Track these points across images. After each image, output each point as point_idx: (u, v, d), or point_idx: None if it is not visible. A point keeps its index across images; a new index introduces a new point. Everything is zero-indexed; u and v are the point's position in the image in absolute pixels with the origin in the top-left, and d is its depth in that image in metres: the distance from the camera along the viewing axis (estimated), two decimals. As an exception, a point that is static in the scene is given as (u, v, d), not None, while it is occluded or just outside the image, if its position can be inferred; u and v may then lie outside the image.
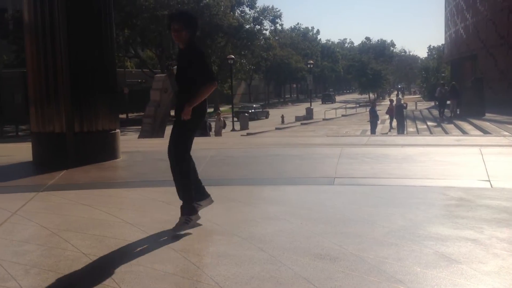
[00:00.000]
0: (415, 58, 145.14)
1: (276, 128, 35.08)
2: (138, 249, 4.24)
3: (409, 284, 3.39)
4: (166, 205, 5.80)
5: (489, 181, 6.67)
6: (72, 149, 8.76)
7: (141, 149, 11.01)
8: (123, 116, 43.47)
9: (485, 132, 16.20)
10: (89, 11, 8.85)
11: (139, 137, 23.53)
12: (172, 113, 27.65)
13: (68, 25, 8.61)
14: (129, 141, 14.56)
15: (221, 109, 60.96)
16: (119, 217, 5.25)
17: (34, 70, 8.87)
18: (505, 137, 12.28)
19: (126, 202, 6.22)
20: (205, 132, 19.03)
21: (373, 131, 27.15)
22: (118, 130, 9.59)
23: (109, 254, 4.12)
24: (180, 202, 4.80)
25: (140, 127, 26.74)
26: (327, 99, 77.96)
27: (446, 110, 27.82)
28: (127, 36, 52.78)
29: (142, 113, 30.67)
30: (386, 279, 3.49)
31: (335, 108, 56.16)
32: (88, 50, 8.83)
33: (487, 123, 18.65)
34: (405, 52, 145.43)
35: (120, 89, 41.73)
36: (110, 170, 8.46)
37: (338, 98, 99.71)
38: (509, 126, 16.53)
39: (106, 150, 9.15)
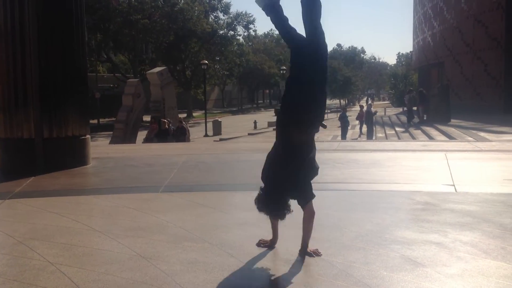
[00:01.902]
0: (384, 65, 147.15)
1: (249, 134, 35.10)
2: (107, 257, 4.19)
3: (376, 288, 3.46)
4: (136, 212, 5.77)
5: (454, 185, 6.84)
6: (40, 156, 8.65)
7: (112, 155, 10.91)
8: (94, 121, 42.92)
9: (450, 137, 16.53)
10: (60, 15, 8.76)
11: (110, 142, 23.28)
12: (145, 118, 27.22)
13: (39, 29, 8.52)
14: (100, 147, 14.41)
15: (194, 114, 60.82)
16: (87, 225, 5.20)
17: (2, 74, 8.74)
18: (470, 142, 12.56)
19: (95, 209, 6.16)
20: (181, 137, 18.96)
21: (343, 136, 27.42)
22: (88, 136, 9.50)
23: (76, 262, 4.07)
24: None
25: (111, 132, 26.44)
26: None
27: (414, 116, 28.28)
28: (99, 40, 52.19)
29: (113, 119, 30.39)
30: (354, 283, 3.56)
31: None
32: (59, 54, 8.74)
33: (453, 129, 19.04)
34: (375, 59, 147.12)
35: (91, 94, 41.33)
36: (80, 177, 8.37)
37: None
38: (474, 131, 16.92)
39: (76, 156, 9.06)
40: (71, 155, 8.97)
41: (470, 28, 34.55)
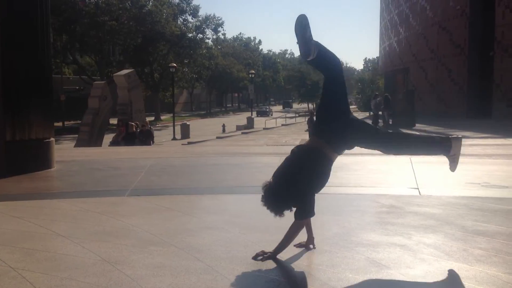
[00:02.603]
0: (351, 70, 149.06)
1: (217, 137, 35.01)
2: (70, 262, 4.11)
3: (341, 290, 3.49)
4: (101, 216, 5.69)
5: (418, 189, 6.97)
6: (3, 159, 8.46)
7: (77, 158, 10.75)
8: (59, 124, 42.17)
9: (416, 142, 16.83)
10: (24, 16, 8.60)
11: (76, 145, 22.93)
12: (111, 121, 26.92)
13: (1, 29, 8.33)
14: (64, 150, 14.17)
15: (162, 117, 60.40)
16: (51, 229, 5.09)
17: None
18: (435, 146, 12.82)
19: (59, 213, 6.04)
20: (147, 141, 18.74)
21: (311, 140, 27.57)
22: (52, 139, 9.34)
23: (39, 268, 3.98)
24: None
25: (77, 135, 26.04)
26: (262, 114, 76.70)
27: (379, 120, 28.71)
28: (65, 41, 51.33)
29: (79, 121, 29.94)
30: (320, 285, 3.58)
31: (275, 118, 56.74)
32: (22, 56, 8.58)
33: (417, 134, 19.41)
34: (342, 64, 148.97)
35: (56, 96, 40.58)
36: (43, 181, 8.22)
37: (277, 108, 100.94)
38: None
39: (40, 160, 8.89)
40: (35, 159, 8.80)
41: (435, 35, 35.33)
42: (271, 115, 72.54)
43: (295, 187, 4.09)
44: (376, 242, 4.55)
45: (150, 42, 54.71)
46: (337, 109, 4.22)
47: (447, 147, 4.31)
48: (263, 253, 4.18)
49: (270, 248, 4.39)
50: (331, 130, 4.17)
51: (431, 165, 8.69)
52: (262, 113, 74.98)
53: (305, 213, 4.19)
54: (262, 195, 4.20)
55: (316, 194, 4.30)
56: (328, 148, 4.17)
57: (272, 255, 4.14)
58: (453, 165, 4.45)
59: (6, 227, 5.20)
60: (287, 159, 4.28)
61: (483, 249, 4.29)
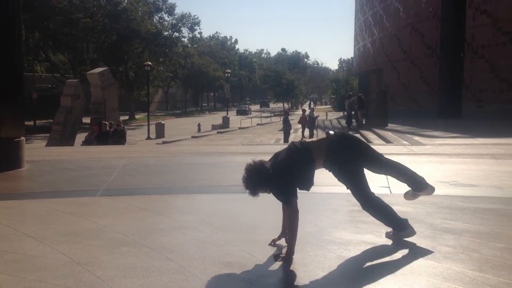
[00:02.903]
0: (327, 70, 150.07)
1: (192, 137, 34.85)
2: (39, 264, 4.05)
3: (312, 289, 3.53)
4: (71, 216, 5.63)
5: (389, 187, 7.06)
6: (-29, 158, 8.30)
7: (48, 157, 10.60)
8: (30, 123, 41.46)
9: (387, 141, 17.03)
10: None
11: (47, 145, 22.57)
12: (84, 120, 26.51)
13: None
14: (35, 150, 13.97)
15: (137, 116, 59.85)
16: (20, 230, 5.02)
17: None
18: (405, 146, 13.01)
19: (28, 214, 5.96)
20: (121, 141, 18.55)
21: (286, 139, 27.72)
22: (23, 138, 9.20)
23: (7, 270, 3.92)
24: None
25: (48, 134, 25.63)
26: (242, 113, 77.95)
27: (352, 120, 28.97)
28: (37, 39, 50.43)
29: (51, 120, 29.49)
30: (291, 284, 3.63)
31: (251, 117, 56.76)
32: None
33: (390, 133, 19.62)
34: (317, 64, 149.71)
35: (28, 95, 39.87)
36: (13, 180, 8.08)
37: (254, 107, 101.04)
38: (409, 136, 17.50)
39: (10, 159, 8.75)
40: (4, 158, 8.65)
41: (408, 36, 35.79)
42: (250, 113, 73.88)
43: (277, 173, 4.19)
44: (348, 240, 4.60)
45: (125, 40, 54.12)
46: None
47: (422, 186, 4.66)
48: (280, 255, 4.23)
49: (244, 247, 4.41)
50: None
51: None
52: (242, 112, 77.10)
53: (286, 198, 4.24)
54: (245, 172, 4.24)
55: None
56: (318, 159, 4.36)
57: (287, 256, 4.13)
58: (410, 198, 4.85)
59: (-27, 228, 5.10)
60: (285, 151, 4.42)
61: (451, 247, 4.38)
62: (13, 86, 8.84)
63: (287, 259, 4.09)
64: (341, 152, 4.38)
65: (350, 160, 4.43)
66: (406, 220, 4.56)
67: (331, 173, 4.53)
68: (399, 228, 4.53)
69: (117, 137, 18.61)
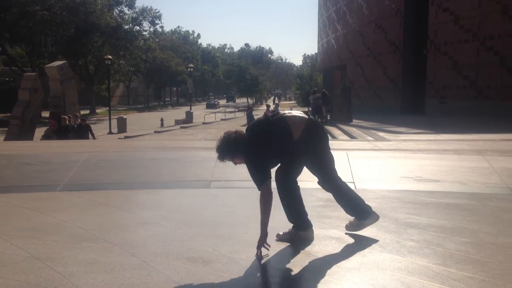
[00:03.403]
0: (291, 66, 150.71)
1: (155, 132, 34.47)
2: (-2, 259, 3.94)
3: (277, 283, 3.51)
4: (31, 211, 5.48)
5: (354, 182, 7.10)
6: None
7: (6, 152, 10.26)
8: (-13, 116, 40.23)
9: (352, 137, 17.19)
10: None
11: (5, 139, 21.95)
12: (43, 114, 25.80)
13: None
14: (-8, 144, 13.53)
15: (97, 111, 58.82)
16: (-24, 226, 4.85)
17: None
18: (369, 141, 13.15)
19: (-15, 209, 5.77)
20: (83, 135, 18.16)
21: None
22: (-21, 132, 8.88)
23: (-37, 266, 3.79)
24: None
25: (6, 129, 24.94)
26: (211, 107, 79.15)
27: (316, 115, 29.18)
28: (-7, 31, 48.91)
29: (9, 114, 28.67)
30: (255, 279, 3.61)
31: (215, 112, 56.60)
32: None
33: (354, 129, 19.82)
34: (281, 59, 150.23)
35: (-16, 88, 38.69)
36: (-31, 175, 7.79)
37: (221, 101, 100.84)
38: (374, 131, 17.72)
39: (-35, 154, 8.43)
40: (-41, 152, 8.33)
41: (371, 33, 36.26)
42: (219, 107, 76.99)
43: (254, 144, 4.20)
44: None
45: (84, 33, 52.98)
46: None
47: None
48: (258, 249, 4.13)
49: (208, 242, 4.36)
50: None
51: (367, 160, 8.89)
52: (211, 106, 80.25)
53: (257, 181, 4.21)
54: (222, 136, 4.24)
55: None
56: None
57: (261, 241, 4.12)
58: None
59: None
60: (262, 123, 4.46)
61: (415, 241, 4.43)
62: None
63: (260, 244, 4.08)
64: (316, 134, 4.38)
65: (322, 144, 4.47)
66: (370, 208, 4.62)
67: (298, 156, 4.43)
68: (363, 212, 4.57)
69: (81, 132, 18.21)
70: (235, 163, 4.35)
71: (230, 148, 4.17)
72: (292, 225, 4.54)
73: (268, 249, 4.12)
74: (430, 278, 3.58)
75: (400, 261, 3.93)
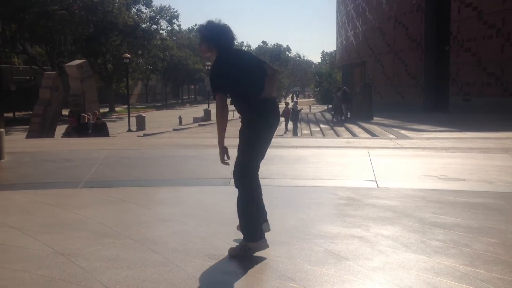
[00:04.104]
0: (309, 63, 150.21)
1: (174, 129, 34.57)
2: (23, 254, 3.98)
3: (300, 282, 3.46)
4: (54, 208, 5.52)
5: (376, 181, 7.03)
6: None
7: (29, 149, 10.40)
8: (10, 114, 40.84)
9: (373, 135, 17.05)
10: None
11: (27, 137, 22.26)
12: (64, 112, 26.24)
13: None
14: (15, 141, 13.72)
15: (117, 109, 59.29)
16: (1, 221, 4.92)
17: None
18: (391, 139, 13.03)
19: (10, 205, 5.83)
20: (101, 133, 18.31)
21: (269, 132, 27.62)
22: (2, 130, 9.04)
23: (-11, 260, 3.83)
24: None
25: (28, 126, 25.29)
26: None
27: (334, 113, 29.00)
28: (14, 31, 49.54)
29: (30, 112, 29.06)
30: (278, 277, 3.55)
31: (233, 110, 56.65)
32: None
33: (375, 127, 19.67)
34: (299, 57, 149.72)
35: (6, 87, 39.26)
36: (-7, 172, 7.91)
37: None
38: (395, 129, 17.55)
39: (-12, 151, 8.56)
40: (-17, 149, 8.46)
41: (391, 29, 35.90)
42: None
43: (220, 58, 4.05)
44: (334, 234, 4.55)
45: (103, 32, 53.43)
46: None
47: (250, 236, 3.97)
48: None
49: (228, 239, 4.34)
50: None
51: (389, 158, 8.81)
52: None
53: (214, 88, 3.98)
54: (211, 25, 4.09)
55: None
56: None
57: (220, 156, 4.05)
58: (236, 253, 3.99)
59: (-48, 220, 4.97)
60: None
61: (441, 241, 4.34)
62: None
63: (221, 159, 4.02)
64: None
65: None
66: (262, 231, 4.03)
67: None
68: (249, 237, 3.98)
69: (98, 130, 18.36)
70: (203, 54, 4.20)
71: (211, 37, 4.02)
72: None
73: (228, 165, 4.02)
74: (457, 279, 3.50)
75: (426, 261, 3.86)
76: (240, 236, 4.09)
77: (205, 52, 4.13)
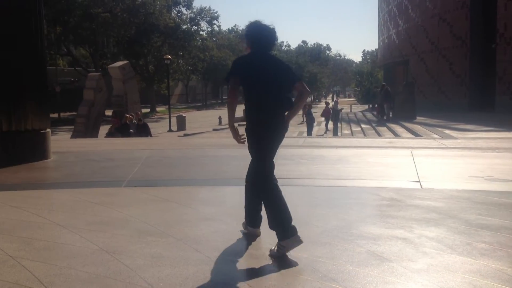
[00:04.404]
0: (350, 62, 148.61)
1: (214, 129, 34.91)
2: (69, 251, 4.08)
3: (342, 283, 3.43)
4: (98, 206, 5.64)
5: (419, 182, 6.90)
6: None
7: (74, 149, 10.68)
8: (55, 115, 42.01)
9: (416, 134, 16.78)
10: (17, 6, 8.50)
11: (72, 137, 22.84)
12: (107, 112, 26.61)
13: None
14: (61, 141, 14.11)
15: (158, 109, 60.19)
16: (48, 219, 5.05)
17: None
18: (435, 139, 12.78)
19: (56, 203, 6.00)
20: (143, 134, 18.60)
21: (309, 133, 27.58)
22: (48, 130, 9.27)
23: (38, 257, 3.94)
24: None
25: (73, 126, 25.94)
26: None
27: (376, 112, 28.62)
28: (59, 33, 50.97)
29: (75, 113, 29.81)
30: (319, 277, 3.53)
31: (272, 110, 56.69)
32: (17, 47, 8.49)
33: (418, 126, 19.34)
34: (340, 56, 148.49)
35: (51, 88, 40.40)
36: (40, 171, 8.15)
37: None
38: (439, 129, 17.20)
39: (36, 150, 8.82)
40: (31, 149, 8.73)
41: (435, 27, 35.17)
42: None
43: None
44: (377, 235, 4.49)
45: (144, 34, 54.32)
46: None
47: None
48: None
49: (270, 240, 4.34)
50: None
51: (433, 158, 8.64)
52: None
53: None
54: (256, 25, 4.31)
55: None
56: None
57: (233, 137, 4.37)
58: (275, 254, 3.98)
59: (4, 217, 5.15)
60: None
61: (487, 243, 4.22)
62: (37, 79, 8.91)
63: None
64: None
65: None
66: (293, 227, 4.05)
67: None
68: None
69: (140, 131, 18.66)
70: (244, 50, 4.41)
71: (250, 36, 4.23)
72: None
73: (244, 143, 4.25)
74: (505, 282, 3.40)
75: (472, 263, 3.76)
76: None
77: (246, 48, 4.36)
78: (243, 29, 4.45)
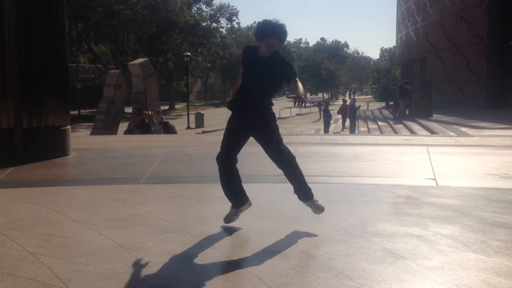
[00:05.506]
0: (367, 60, 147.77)
1: (231, 127, 34.96)
2: (87, 248, 4.15)
3: (357, 280, 3.46)
4: (116, 203, 5.72)
5: (435, 179, 6.88)
6: (20, 146, 8.53)
7: (93, 146, 10.81)
8: (75, 112, 42.46)
9: (432, 132, 16.67)
10: (40, 3, 8.63)
11: (91, 134, 23.07)
12: (126, 109, 26.67)
13: (18, 18, 8.37)
14: (80, 138, 14.27)
15: (176, 106, 60.49)
16: (67, 216, 5.14)
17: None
18: (451, 137, 12.68)
19: (75, 200, 6.10)
20: (169, 130, 18.74)
21: (326, 130, 27.52)
22: (69, 127, 9.39)
23: (56, 253, 4.02)
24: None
25: (92, 123, 26.20)
26: None
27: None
28: (80, 30, 51.49)
29: (95, 110, 30.09)
30: (335, 275, 3.56)
31: (290, 107, 56.63)
32: (39, 43, 8.60)
33: (435, 124, 19.20)
34: (358, 53, 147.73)
35: (72, 85, 40.83)
36: (60, 168, 8.27)
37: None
38: (455, 126, 17.07)
39: (56, 147, 8.95)
40: (51, 146, 8.85)
41: (453, 24, 34.85)
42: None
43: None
44: (392, 233, 4.50)
45: (164, 31, 54.60)
46: None
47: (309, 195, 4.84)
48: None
49: (285, 237, 4.40)
50: None
51: (449, 156, 8.60)
52: None
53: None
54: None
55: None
56: None
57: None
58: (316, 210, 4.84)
59: (23, 213, 5.26)
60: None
61: (502, 241, 4.23)
62: (59, 75, 9.03)
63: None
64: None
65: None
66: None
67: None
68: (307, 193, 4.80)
69: (165, 131, 18.79)
70: (270, 45, 4.49)
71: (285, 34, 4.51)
72: None
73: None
74: (519, 280, 3.41)
75: (486, 261, 3.77)
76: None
77: (273, 47, 4.55)
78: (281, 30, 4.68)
